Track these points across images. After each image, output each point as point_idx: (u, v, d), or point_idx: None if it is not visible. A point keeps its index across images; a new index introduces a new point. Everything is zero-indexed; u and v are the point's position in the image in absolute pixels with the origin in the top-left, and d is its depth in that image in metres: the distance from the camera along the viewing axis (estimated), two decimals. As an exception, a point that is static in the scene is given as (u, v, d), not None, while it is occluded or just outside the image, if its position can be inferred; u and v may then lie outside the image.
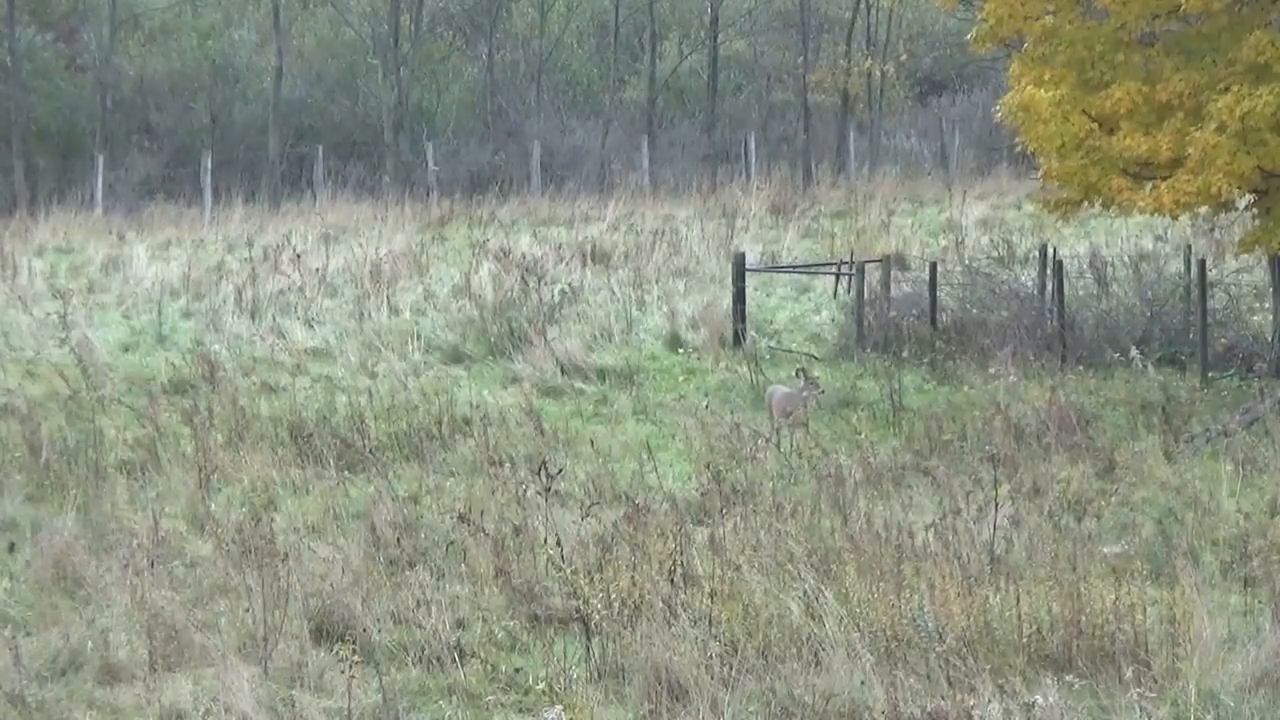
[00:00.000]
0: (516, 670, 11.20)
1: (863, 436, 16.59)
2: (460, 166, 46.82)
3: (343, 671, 10.63)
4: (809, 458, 15.93)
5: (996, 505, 12.98)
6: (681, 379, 21.52)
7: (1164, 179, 18.34)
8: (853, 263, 25.64)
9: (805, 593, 11.47)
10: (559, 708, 10.36)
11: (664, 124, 51.90)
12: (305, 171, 46.38)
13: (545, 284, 25.51)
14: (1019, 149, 20.77)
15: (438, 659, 11.31)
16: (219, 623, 11.96)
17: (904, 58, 52.00)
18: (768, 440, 16.58)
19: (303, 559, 12.92)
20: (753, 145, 46.92)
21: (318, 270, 28.35)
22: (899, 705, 10.12)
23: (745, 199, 38.49)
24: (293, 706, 10.67)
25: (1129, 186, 18.73)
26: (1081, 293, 23.41)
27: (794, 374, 18.20)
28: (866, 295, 23.34)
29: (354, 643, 11.20)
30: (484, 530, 13.07)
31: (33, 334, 23.99)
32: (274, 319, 25.23)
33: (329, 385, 20.94)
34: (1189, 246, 25.14)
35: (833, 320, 24.71)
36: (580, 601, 11.60)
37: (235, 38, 51.51)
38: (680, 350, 23.19)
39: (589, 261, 30.01)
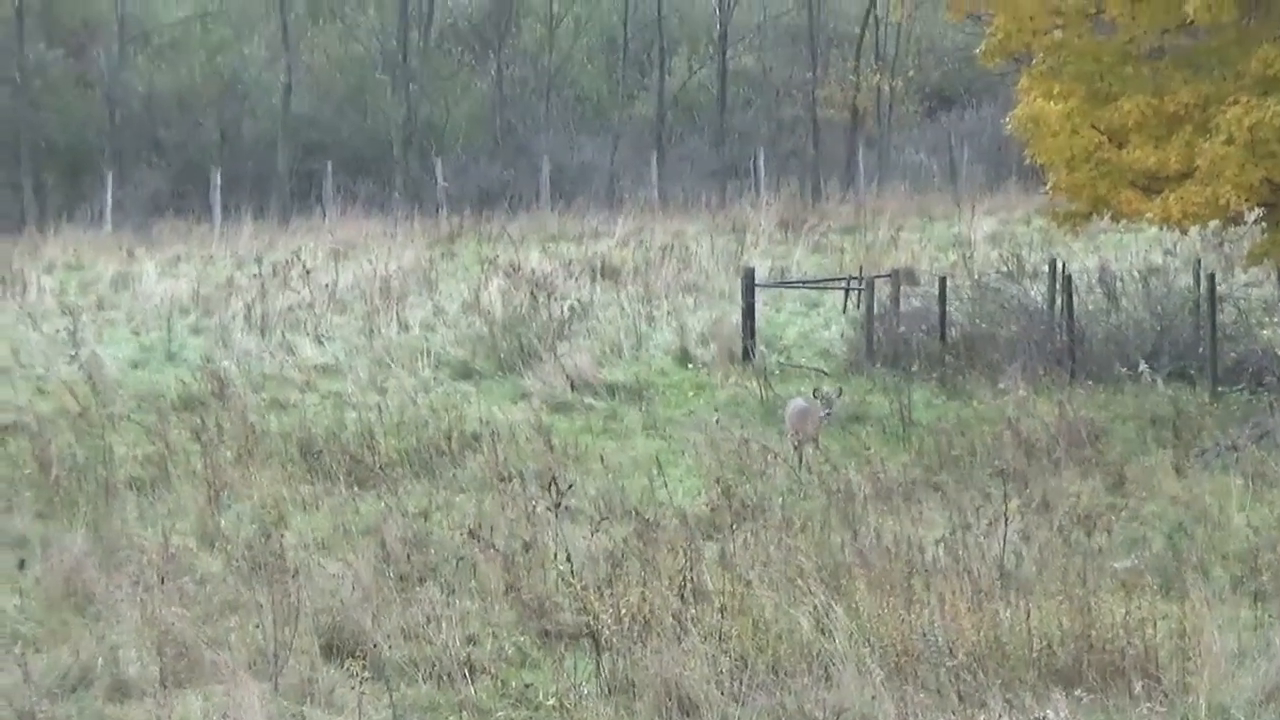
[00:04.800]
0: (527, 686, 11.19)
1: (872, 451, 16.55)
2: (469, 182, 46.88)
3: (353, 688, 10.63)
4: (819, 473, 15.93)
5: (1006, 520, 12.97)
6: (691, 394, 21.53)
7: (1173, 191, 18.35)
8: (862, 278, 25.63)
9: (815, 608, 11.46)
10: (569, 723, 10.36)
11: (673, 139, 51.98)
12: (314, 188, 46.47)
13: (555, 300, 25.53)
14: (1028, 163, 20.78)
15: (448, 675, 11.31)
16: (229, 639, 11.94)
17: (913, 73, 52.11)
18: (776, 455, 16.55)
19: (313, 575, 12.92)
20: (762, 160, 46.98)
21: (327, 286, 28.40)
22: (909, 720, 10.12)
23: (754, 214, 38.54)
24: (303, 723, 10.68)
25: (1138, 199, 18.74)
26: (1091, 307, 23.39)
27: (813, 392, 18.20)
28: (876, 310, 23.34)
29: (364, 659, 11.20)
30: (494, 546, 13.07)
31: (42, 351, 24.00)
32: (283, 335, 25.24)
33: (338, 401, 20.95)
34: (1198, 261, 25.13)
35: (842, 335, 24.72)
36: (590, 617, 11.59)
37: (244, 54, 51.62)
38: (690, 366, 23.20)
39: (598, 277, 30.04)
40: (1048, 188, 19.94)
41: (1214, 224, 20.34)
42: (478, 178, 47.72)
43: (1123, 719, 10.37)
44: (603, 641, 11.38)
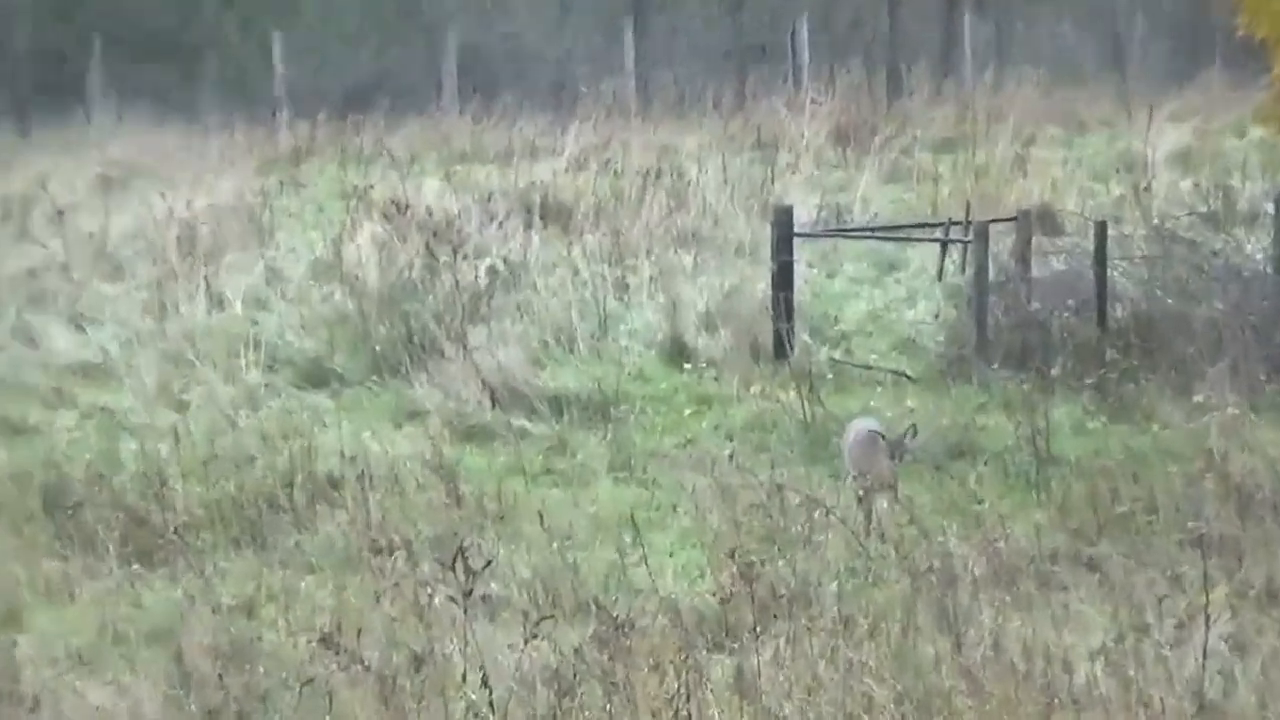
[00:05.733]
0: None
1: (986, 506, 16.58)
2: (328, 70, 46.99)
3: None
4: (897, 541, 15.87)
5: (1208, 619, 12.93)
6: (689, 413, 21.53)
7: None
8: (969, 223, 25.59)
9: (894, 762, 11.43)
10: None
11: (661, 1, 52.09)
12: (74, 79, 46.51)
13: (465, 259, 25.53)
14: (1239, 38, 20.79)
15: None
16: (-77, 813, 11.92)
17: (1052, -110, 52.32)
18: (827, 511, 16.50)
19: (63, 707, 12.89)
20: (805, 34, 47.08)
21: (93, 236, 28.45)
22: None
23: (793, 120, 38.60)
24: None
25: None
26: (1344, 272, 23.46)
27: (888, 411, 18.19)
28: (993, 276, 23.31)
29: (146, 846, 11.15)
30: (362, 661, 12.98)
31: None
32: (19, 316, 25.28)
33: (110, 423, 21.01)
34: None
35: (937, 316, 24.73)
36: (522, 778, 11.57)
37: None
38: (687, 366, 23.19)
39: (537, 222, 30.03)
40: (1271, 78, 19.95)
41: None
42: (340, 63, 47.81)
43: None
44: (543, 818, 11.36)
